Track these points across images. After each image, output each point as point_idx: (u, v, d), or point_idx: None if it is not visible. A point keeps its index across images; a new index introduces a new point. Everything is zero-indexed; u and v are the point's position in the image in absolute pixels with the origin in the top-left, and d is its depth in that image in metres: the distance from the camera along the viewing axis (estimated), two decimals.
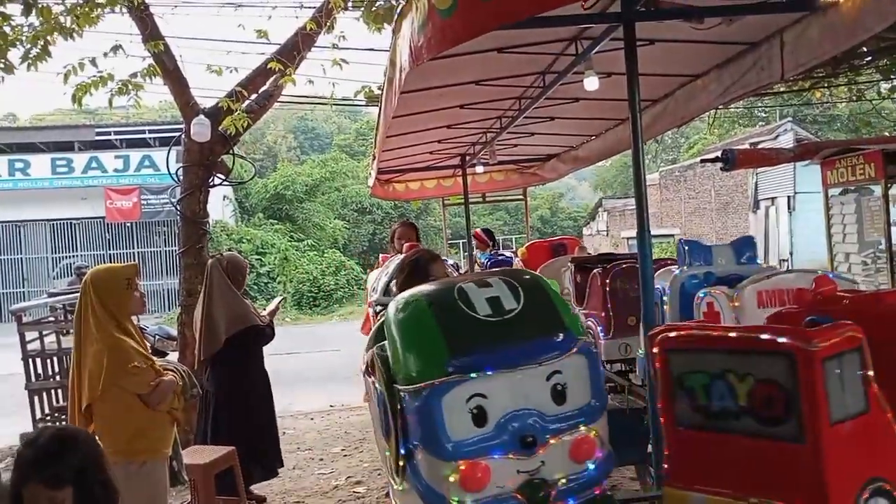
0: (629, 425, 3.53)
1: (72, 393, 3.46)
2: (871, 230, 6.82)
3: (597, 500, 2.33)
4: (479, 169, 8.55)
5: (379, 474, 5.78)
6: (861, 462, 1.94)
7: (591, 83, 4.08)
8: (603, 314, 4.28)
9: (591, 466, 2.31)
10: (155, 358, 3.62)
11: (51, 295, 8.44)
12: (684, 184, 29.14)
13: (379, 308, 4.61)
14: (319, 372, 11.27)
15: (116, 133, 22.39)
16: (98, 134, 21.88)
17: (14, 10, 6.14)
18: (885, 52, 7.21)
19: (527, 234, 10.87)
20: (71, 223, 22.21)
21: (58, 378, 6.52)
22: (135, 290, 3.52)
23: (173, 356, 6.43)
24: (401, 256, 5.13)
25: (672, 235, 24.47)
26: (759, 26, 3.90)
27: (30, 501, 2.17)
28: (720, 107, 6.79)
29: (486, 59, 4.12)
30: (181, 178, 6.94)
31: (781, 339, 1.95)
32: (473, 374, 2.18)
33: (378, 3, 6.29)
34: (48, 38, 6.18)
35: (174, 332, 6.92)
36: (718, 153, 7.23)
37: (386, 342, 2.48)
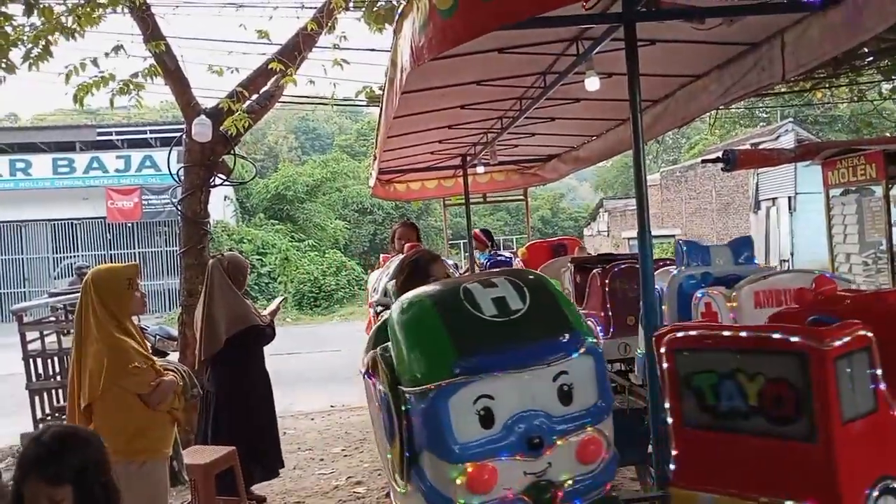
0: (629, 425, 3.52)
1: (71, 392, 3.46)
2: (872, 231, 6.82)
3: (602, 500, 2.32)
4: (480, 169, 8.55)
5: (379, 475, 5.78)
6: (871, 461, 1.95)
7: (592, 83, 4.08)
8: (602, 314, 4.30)
9: (598, 467, 2.29)
10: (155, 358, 3.62)
11: (52, 295, 8.46)
12: (685, 184, 29.12)
13: (380, 309, 4.61)
14: (320, 372, 11.27)
15: (118, 133, 22.39)
16: (99, 134, 21.87)
17: (15, 10, 6.16)
18: (886, 52, 7.21)
19: (527, 234, 10.87)
20: (72, 223, 22.22)
21: (58, 378, 6.53)
22: (135, 291, 3.52)
23: (174, 356, 6.43)
24: (401, 257, 5.12)
25: (673, 236, 24.44)
26: (759, 27, 3.90)
27: (30, 498, 2.18)
28: (721, 107, 6.79)
29: (487, 60, 4.12)
30: (182, 178, 6.95)
31: (794, 339, 1.95)
32: (481, 375, 2.16)
33: (379, 4, 6.30)
34: (49, 38, 6.19)
35: (175, 332, 6.92)
36: (719, 154, 7.23)
37: (389, 343, 2.45)
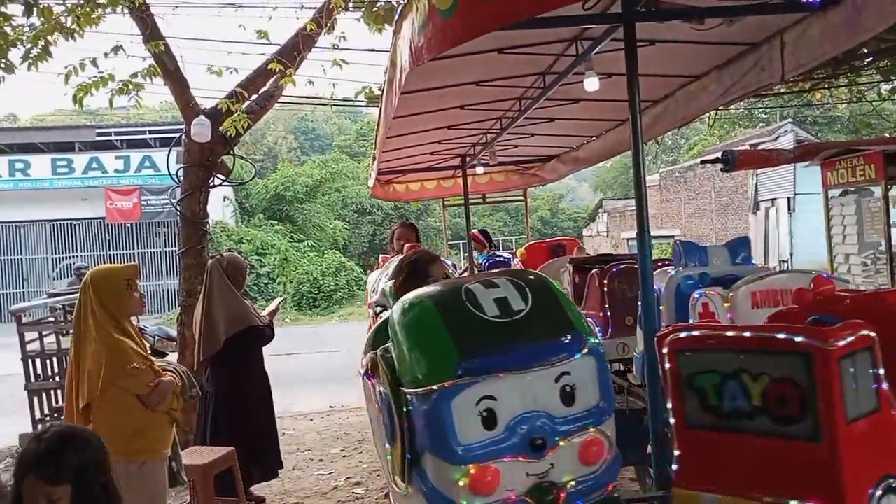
0: (628, 426, 3.52)
1: (69, 392, 3.45)
2: (871, 231, 6.83)
3: (605, 501, 2.31)
4: (480, 170, 8.55)
5: (378, 475, 5.78)
6: (874, 460, 1.95)
7: (592, 84, 4.08)
8: (601, 314, 4.30)
9: (600, 468, 2.27)
10: (154, 358, 3.61)
11: (51, 295, 8.45)
12: (684, 185, 29.15)
13: (379, 309, 4.60)
14: (319, 373, 11.27)
15: (117, 133, 22.40)
16: (98, 134, 21.88)
17: (15, 10, 6.15)
18: (886, 53, 7.21)
19: (527, 234, 10.87)
20: (71, 223, 22.21)
21: (57, 379, 6.53)
22: (134, 291, 3.52)
23: (173, 357, 6.44)
24: (400, 257, 5.12)
25: (672, 236, 24.44)
26: (759, 27, 3.90)
27: (27, 494, 2.19)
28: (720, 108, 6.79)
29: (487, 60, 4.12)
30: (181, 178, 6.94)
31: (798, 339, 1.95)
32: (484, 376, 2.14)
33: (378, 4, 6.29)
34: (49, 38, 6.18)
35: (174, 332, 6.93)
36: (719, 154, 7.24)
37: (390, 344, 2.44)
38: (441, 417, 2.13)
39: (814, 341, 1.91)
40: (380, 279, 5.61)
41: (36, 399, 6.55)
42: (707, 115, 8.66)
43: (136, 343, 3.46)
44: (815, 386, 1.90)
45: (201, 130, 6.50)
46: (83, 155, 21.63)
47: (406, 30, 2.71)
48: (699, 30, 3.58)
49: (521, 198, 10.70)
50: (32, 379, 6.59)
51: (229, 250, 11.46)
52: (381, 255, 8.27)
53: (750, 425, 2.04)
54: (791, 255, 20.01)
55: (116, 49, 6.55)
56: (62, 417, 5.91)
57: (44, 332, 6.71)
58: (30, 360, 6.60)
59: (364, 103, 7.81)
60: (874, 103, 11.81)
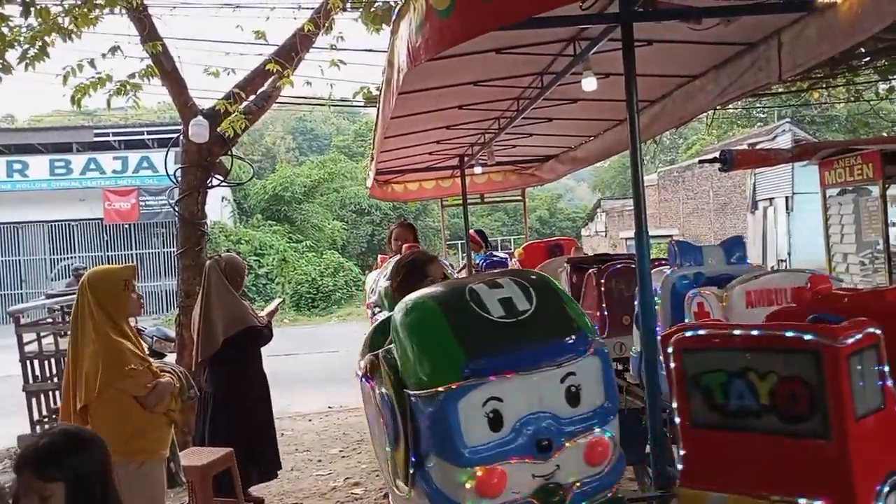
0: (627, 425, 3.52)
1: (66, 393, 3.45)
2: (869, 230, 6.84)
3: (608, 502, 2.30)
4: (478, 170, 8.55)
5: (377, 476, 5.78)
6: (881, 457, 1.96)
7: (589, 84, 4.09)
8: (598, 314, 4.32)
9: (605, 469, 2.26)
10: (152, 359, 3.61)
11: (49, 296, 8.45)
12: (683, 184, 29.16)
13: (377, 310, 4.60)
14: (318, 373, 11.26)
15: (115, 134, 22.38)
16: (96, 135, 21.86)
17: (12, 10, 6.14)
18: (883, 52, 7.22)
19: (525, 234, 10.88)
20: (69, 224, 22.19)
21: (55, 380, 6.52)
22: (132, 292, 3.51)
23: (171, 357, 6.43)
24: (397, 258, 5.12)
25: (670, 236, 24.44)
26: (756, 27, 3.90)
27: (22, 488, 2.20)
28: (718, 107, 6.80)
29: (485, 60, 4.12)
30: (179, 179, 6.94)
31: (807, 337, 1.96)
32: (491, 377, 2.12)
33: (376, 4, 6.29)
34: (46, 38, 6.17)
35: (172, 333, 6.93)
36: (717, 154, 7.25)
37: (392, 346, 2.42)
38: (447, 419, 2.11)
39: (823, 339, 1.92)
40: (378, 279, 5.61)
41: (34, 400, 6.55)
42: (705, 114, 8.67)
43: (133, 344, 3.46)
44: (825, 384, 1.91)
45: (199, 131, 6.49)
46: (81, 156, 21.61)
47: (403, 30, 2.71)
48: (696, 30, 3.58)
49: (519, 198, 10.70)
50: (31, 380, 6.59)
51: (227, 251, 11.45)
52: (379, 256, 8.26)
53: (757, 424, 2.05)
54: (789, 254, 20.04)
55: (114, 50, 6.55)
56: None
57: (42, 334, 6.71)
58: (28, 362, 6.59)
59: (362, 104, 7.80)
60: (872, 103, 11.82)
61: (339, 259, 23.84)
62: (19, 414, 6.70)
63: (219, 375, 5.15)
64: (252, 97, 6.94)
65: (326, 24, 6.48)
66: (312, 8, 6.72)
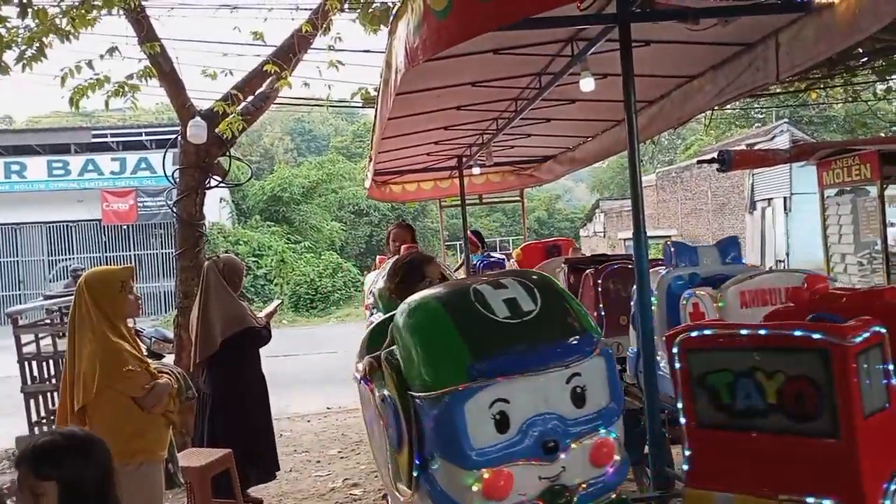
0: (625, 426, 3.52)
1: (63, 394, 3.45)
2: (867, 231, 6.85)
3: (614, 502, 2.29)
4: (476, 170, 8.56)
5: (376, 476, 5.77)
6: (887, 455, 1.96)
7: (587, 84, 4.09)
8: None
9: (610, 470, 2.25)
10: (150, 360, 3.61)
11: (47, 297, 8.44)
12: (681, 185, 29.16)
13: (374, 311, 4.59)
14: (316, 374, 11.25)
15: (113, 135, 22.35)
16: (94, 136, 21.82)
17: (9, 11, 6.13)
18: (881, 53, 7.23)
19: (524, 235, 10.88)
20: (67, 225, 22.16)
21: (54, 381, 6.51)
22: (129, 293, 3.51)
23: (169, 358, 6.43)
24: (394, 258, 5.12)
25: (669, 236, 24.48)
26: (754, 27, 3.91)
27: (19, 481, 2.21)
28: (716, 108, 6.81)
29: (483, 61, 4.12)
30: (177, 180, 6.93)
31: (816, 336, 1.96)
32: (499, 379, 2.10)
33: (374, 5, 6.29)
34: (44, 39, 6.16)
35: (170, 334, 6.92)
36: (715, 154, 7.26)
37: (395, 347, 2.39)
38: (453, 421, 2.09)
39: (832, 338, 1.92)
40: (377, 280, 5.60)
41: (32, 401, 6.53)
42: (703, 115, 8.68)
43: (130, 345, 3.46)
44: (833, 382, 1.91)
45: (197, 132, 6.49)
46: (79, 157, 21.59)
47: (401, 30, 2.71)
48: (694, 30, 3.58)
49: (517, 198, 10.70)
50: (29, 381, 6.58)
51: (226, 252, 11.43)
52: (378, 256, 8.26)
53: (764, 423, 2.05)
54: (787, 254, 20.05)
55: (112, 51, 6.53)
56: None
57: (40, 335, 6.70)
58: (26, 363, 6.58)
59: (360, 104, 7.80)
60: (869, 103, 11.83)
61: (337, 260, 23.82)
62: (17, 415, 6.69)
63: (217, 376, 5.15)
64: (250, 98, 6.94)
65: (324, 25, 6.48)
66: (310, 9, 6.72)
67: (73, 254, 21.75)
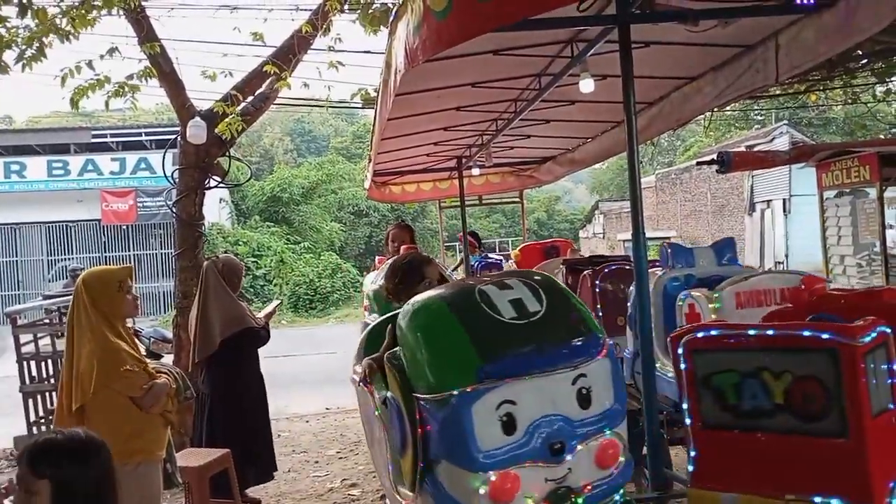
0: None
1: (61, 393, 3.44)
2: (866, 233, 6.85)
3: (617, 503, 2.29)
4: (475, 171, 8.56)
5: (374, 477, 5.77)
6: (893, 454, 1.96)
7: (587, 85, 4.10)
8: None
9: (615, 471, 2.24)
10: (149, 360, 3.61)
11: (46, 297, 8.43)
12: (680, 186, 29.17)
13: (371, 313, 4.59)
14: (315, 374, 11.25)
15: (112, 135, 22.36)
16: (94, 136, 21.83)
17: (9, 11, 6.13)
18: (880, 54, 7.23)
19: (523, 236, 10.88)
20: (67, 226, 22.15)
21: (52, 381, 6.50)
22: (127, 293, 3.50)
23: (168, 358, 6.42)
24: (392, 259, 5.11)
25: (668, 238, 24.48)
26: (754, 29, 3.91)
27: (18, 477, 2.22)
28: (715, 109, 6.81)
29: (482, 62, 4.12)
30: (177, 180, 6.93)
31: (825, 336, 1.96)
32: (507, 380, 2.08)
33: (374, 6, 6.29)
34: (44, 39, 6.16)
35: (169, 334, 6.92)
36: (714, 156, 7.25)
37: (399, 349, 2.37)
38: (461, 423, 2.07)
39: (841, 338, 1.93)
40: (376, 281, 5.61)
41: (31, 401, 6.53)
42: (702, 116, 8.68)
43: (128, 345, 3.45)
44: (842, 382, 1.91)
45: (197, 132, 6.49)
46: (79, 157, 21.59)
47: (401, 31, 2.71)
48: (694, 31, 3.59)
49: (517, 199, 10.70)
50: (27, 381, 6.57)
51: (225, 252, 11.43)
52: (377, 257, 8.27)
53: (771, 423, 2.05)
54: (787, 256, 20.05)
55: (112, 51, 6.54)
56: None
57: (39, 334, 6.69)
58: (25, 363, 6.58)
59: (360, 105, 7.80)
60: (869, 105, 11.85)
61: (336, 260, 23.82)
62: (16, 415, 6.68)
63: (216, 376, 5.14)
64: (250, 99, 6.94)
65: (324, 26, 6.48)
66: (310, 9, 6.72)
67: (72, 254, 21.74)
